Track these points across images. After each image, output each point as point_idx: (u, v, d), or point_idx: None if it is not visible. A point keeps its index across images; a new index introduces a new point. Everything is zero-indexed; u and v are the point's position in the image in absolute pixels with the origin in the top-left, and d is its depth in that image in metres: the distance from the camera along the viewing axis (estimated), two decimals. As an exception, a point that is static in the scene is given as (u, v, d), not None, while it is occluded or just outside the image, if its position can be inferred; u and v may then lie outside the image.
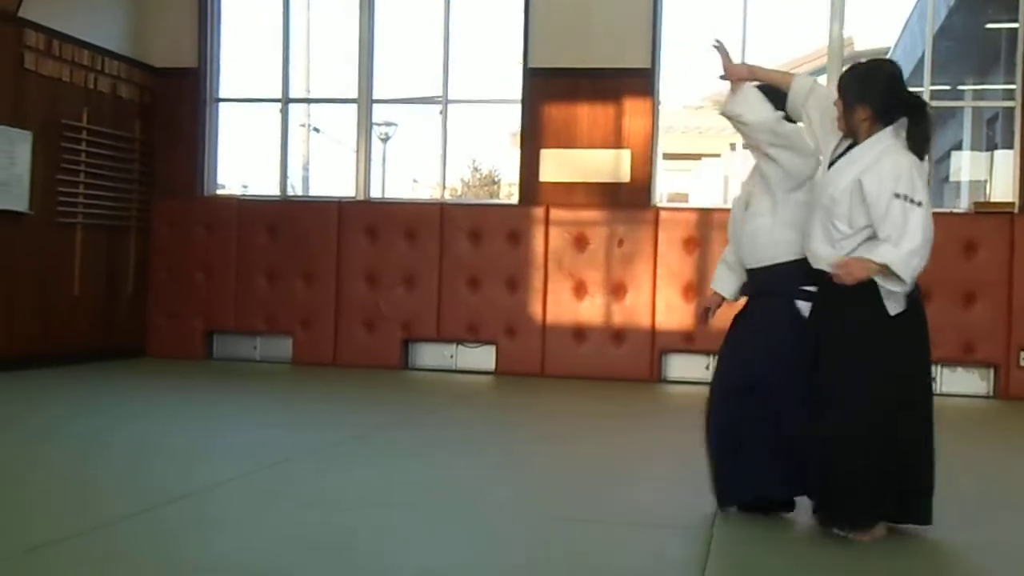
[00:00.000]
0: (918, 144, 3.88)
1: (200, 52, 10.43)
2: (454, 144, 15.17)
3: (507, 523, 4.15)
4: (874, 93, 3.89)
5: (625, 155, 9.68)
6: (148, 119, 10.30)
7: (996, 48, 12.31)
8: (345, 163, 11.36)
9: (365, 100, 10.34)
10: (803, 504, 4.39)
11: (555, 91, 9.77)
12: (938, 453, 3.97)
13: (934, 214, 3.85)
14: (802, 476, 4.31)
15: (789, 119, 4.24)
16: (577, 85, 9.71)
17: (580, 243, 9.61)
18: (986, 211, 9.20)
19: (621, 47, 9.63)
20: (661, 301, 9.46)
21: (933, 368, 4.13)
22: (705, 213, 9.57)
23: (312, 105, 14.75)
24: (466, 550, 3.72)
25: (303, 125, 15.75)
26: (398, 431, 6.51)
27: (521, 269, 9.73)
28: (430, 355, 10.05)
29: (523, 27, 9.85)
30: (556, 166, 9.77)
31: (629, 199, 9.64)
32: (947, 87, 12.71)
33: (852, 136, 3.96)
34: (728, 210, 4.70)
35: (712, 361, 9.00)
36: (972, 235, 8.86)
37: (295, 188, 12.42)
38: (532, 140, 9.87)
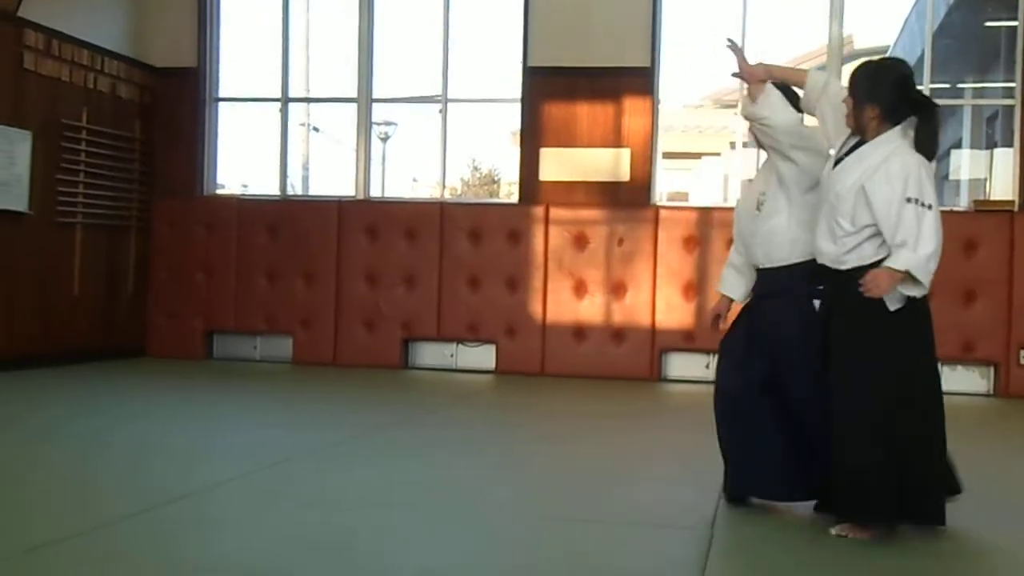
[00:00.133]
0: (926, 144, 3.89)
1: (200, 52, 10.43)
2: (454, 143, 15.18)
3: (507, 523, 4.15)
4: (883, 92, 3.90)
5: (625, 154, 9.68)
6: (148, 119, 10.30)
7: (995, 46, 12.30)
8: (345, 162, 11.36)
9: (365, 99, 10.34)
10: (805, 503, 4.40)
11: (555, 90, 9.77)
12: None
13: (935, 213, 3.86)
14: (803, 477, 4.34)
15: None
16: (577, 84, 9.70)
17: (580, 242, 9.61)
18: (986, 209, 9.21)
19: (621, 46, 9.62)
20: (661, 300, 9.46)
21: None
22: (705, 212, 9.57)
23: (312, 104, 14.75)
24: (466, 550, 3.72)
25: (303, 124, 15.76)
26: (398, 431, 6.51)
27: (521, 268, 9.73)
28: (430, 354, 10.05)
29: (523, 26, 9.85)
30: (556, 165, 9.77)
31: (629, 198, 9.64)
32: (947, 85, 12.70)
33: (860, 134, 3.98)
34: (729, 209, 4.71)
35: (712, 360, 9.01)
36: (972, 233, 8.87)
37: (295, 188, 12.42)
38: (532, 139, 9.87)
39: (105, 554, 3.53)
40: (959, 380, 8.97)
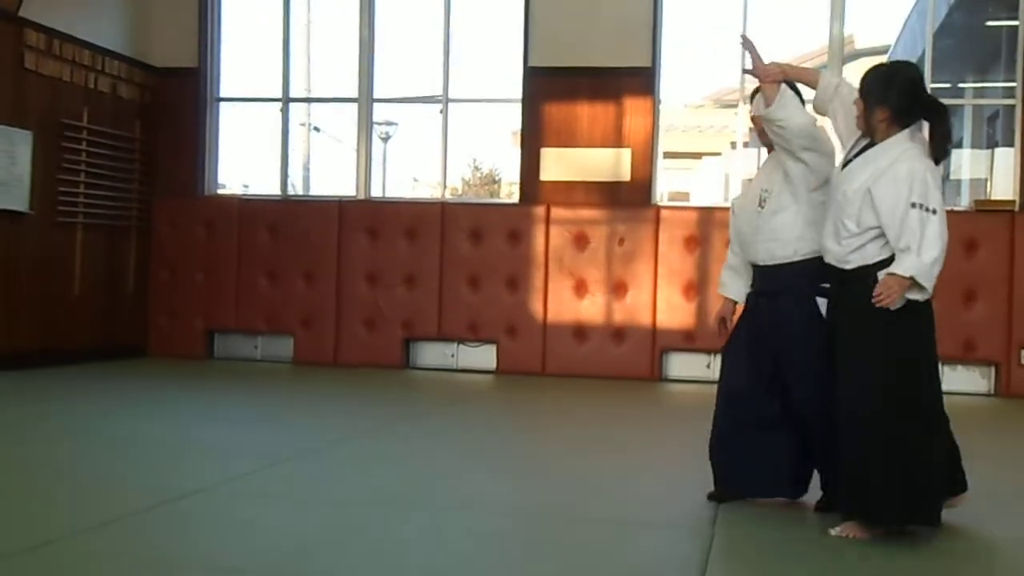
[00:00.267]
0: (938, 147, 3.92)
1: (201, 52, 10.43)
2: (455, 143, 15.18)
3: (507, 523, 4.15)
4: (893, 95, 3.92)
5: (626, 154, 9.68)
6: (149, 119, 10.30)
7: (996, 46, 12.30)
8: (346, 162, 11.36)
9: (365, 99, 10.34)
10: (805, 502, 4.40)
11: (555, 90, 9.77)
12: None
13: (937, 213, 3.87)
14: (802, 476, 4.36)
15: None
16: (577, 84, 9.71)
17: (581, 242, 9.61)
18: (987, 209, 9.21)
19: (621, 46, 9.63)
20: (662, 300, 9.46)
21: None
22: (706, 212, 9.57)
23: (313, 104, 14.76)
24: (465, 550, 3.72)
25: (303, 124, 15.76)
26: (399, 431, 6.51)
27: (522, 268, 9.73)
28: (431, 354, 10.05)
29: (523, 26, 9.85)
30: (557, 165, 9.77)
31: (630, 198, 9.64)
32: (947, 85, 12.70)
33: (870, 136, 4.00)
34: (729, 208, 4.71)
35: (712, 359, 9.01)
36: (973, 233, 8.87)
37: (296, 187, 12.44)
38: (533, 139, 9.87)
39: (104, 553, 3.53)
40: (960, 380, 8.97)
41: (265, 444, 5.68)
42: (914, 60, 11.25)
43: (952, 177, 14.02)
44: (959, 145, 13.65)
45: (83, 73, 9.47)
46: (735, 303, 4.59)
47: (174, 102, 10.38)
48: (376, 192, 10.60)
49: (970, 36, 13.24)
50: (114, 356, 9.71)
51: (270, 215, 10.25)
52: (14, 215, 8.70)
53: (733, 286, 4.58)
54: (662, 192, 10.61)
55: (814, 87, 4.26)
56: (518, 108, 9.93)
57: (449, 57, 10.15)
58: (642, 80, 9.66)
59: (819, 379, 4.12)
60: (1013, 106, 9.46)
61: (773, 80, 4.17)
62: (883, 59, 16.59)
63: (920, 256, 3.73)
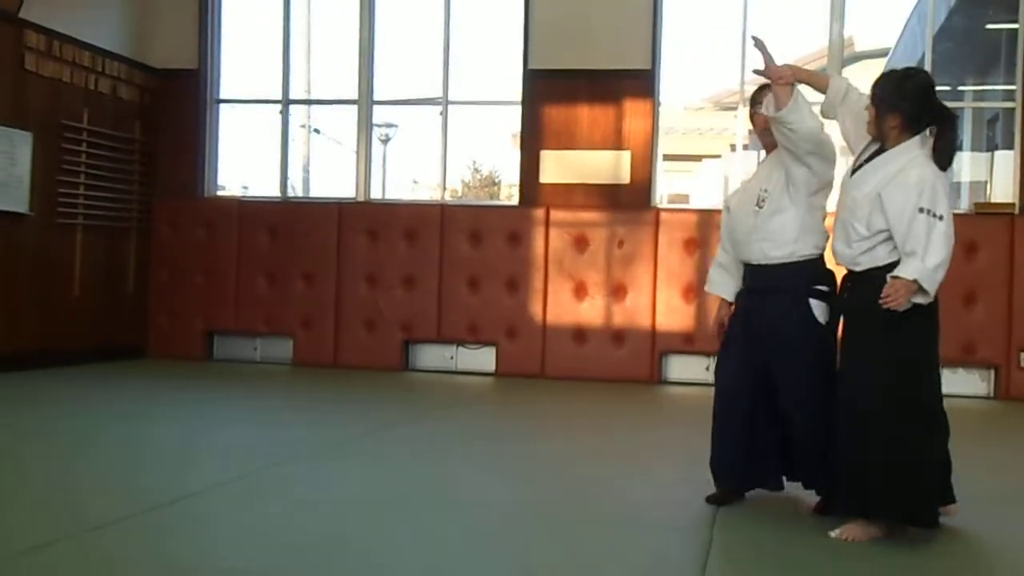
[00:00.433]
0: (942, 156, 3.95)
1: (201, 53, 10.44)
2: (454, 145, 15.17)
3: (505, 524, 4.15)
4: (906, 102, 3.96)
5: (625, 156, 9.68)
6: (148, 120, 10.31)
7: (996, 49, 12.30)
8: (345, 164, 11.36)
9: (365, 101, 10.35)
10: (804, 504, 4.40)
11: (555, 92, 9.78)
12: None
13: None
14: (797, 473, 4.40)
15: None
16: (577, 86, 9.71)
17: (580, 244, 9.61)
18: (986, 212, 9.21)
19: (621, 48, 9.63)
20: (661, 302, 9.46)
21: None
22: (705, 214, 9.56)
23: (312, 106, 14.74)
24: (463, 551, 3.72)
25: (303, 126, 15.74)
26: (397, 432, 6.50)
27: (521, 270, 9.73)
28: (430, 356, 10.04)
29: (523, 28, 9.86)
30: (556, 167, 9.78)
31: (629, 200, 9.64)
32: (947, 88, 12.69)
33: (881, 141, 4.04)
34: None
35: (712, 362, 9.01)
36: (972, 236, 8.87)
37: (295, 189, 12.42)
38: (532, 141, 9.87)
39: (105, 554, 3.53)
40: (959, 383, 8.97)
41: (265, 446, 5.68)
42: (914, 63, 11.26)
43: (952, 180, 14.02)
44: (959, 148, 13.65)
45: (83, 74, 9.47)
46: (730, 304, 4.61)
47: (174, 103, 10.39)
48: (376, 194, 10.60)
49: (970, 39, 13.25)
50: (113, 357, 9.71)
51: (270, 217, 10.25)
52: (14, 216, 8.70)
53: (724, 284, 4.62)
54: (662, 194, 10.61)
55: (823, 91, 4.30)
56: (518, 110, 9.93)
57: (449, 59, 10.15)
58: (642, 82, 9.66)
59: (809, 380, 4.17)
60: (1013, 109, 9.47)
61: (786, 82, 4.17)
62: (883, 61, 16.61)
63: (924, 261, 3.78)
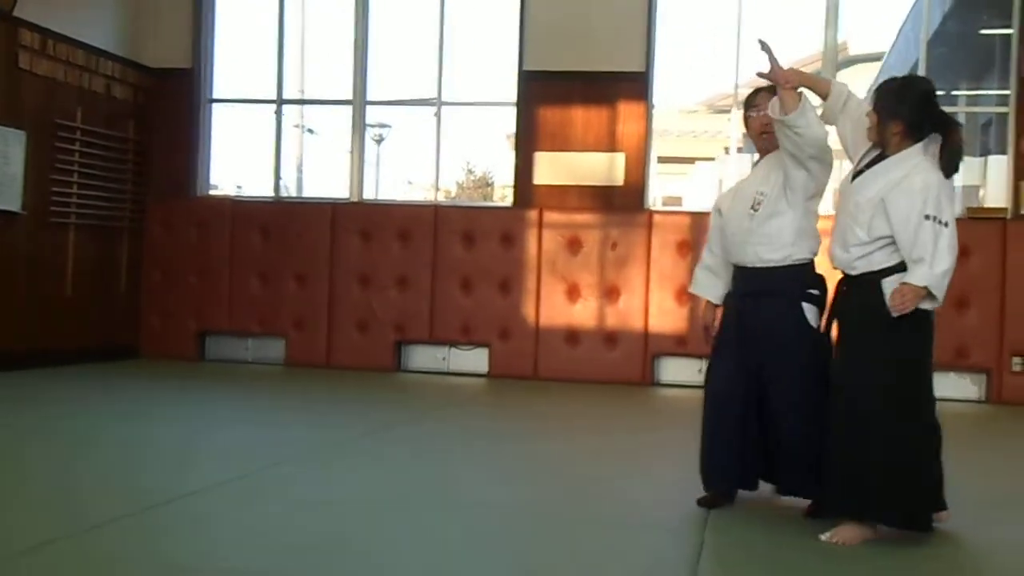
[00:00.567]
0: (948, 162, 3.98)
1: (195, 53, 10.42)
2: (448, 146, 15.18)
3: (499, 525, 4.15)
4: (907, 109, 3.98)
5: (619, 158, 9.68)
6: (142, 119, 10.29)
7: (990, 54, 12.33)
8: (339, 164, 11.37)
9: (359, 101, 10.34)
10: (796, 507, 4.40)
11: (550, 94, 9.77)
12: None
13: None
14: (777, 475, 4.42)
15: None
16: (572, 88, 9.71)
17: (573, 246, 9.61)
18: (979, 217, 9.23)
19: (616, 50, 9.63)
20: (654, 304, 9.46)
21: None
22: (699, 216, 9.55)
23: (306, 106, 14.76)
24: (457, 552, 3.72)
25: (297, 126, 15.74)
26: (395, 433, 6.50)
27: (514, 271, 9.73)
28: (423, 357, 10.03)
29: (518, 30, 9.86)
30: (550, 169, 9.78)
31: (623, 202, 9.64)
32: (941, 92, 12.71)
33: (882, 148, 4.05)
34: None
35: (704, 365, 9.01)
36: (965, 240, 8.78)
37: (289, 189, 12.42)
38: (526, 143, 9.87)
39: (102, 553, 3.53)
40: (951, 387, 8.98)
41: (263, 446, 5.68)
42: (908, 67, 11.28)
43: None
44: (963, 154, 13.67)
45: (77, 73, 9.45)
46: (715, 307, 4.62)
47: (168, 103, 10.36)
48: (369, 194, 10.60)
49: (964, 44, 13.29)
50: (106, 357, 9.68)
51: (263, 217, 10.24)
52: (7, 215, 8.68)
53: (710, 286, 4.62)
54: (655, 197, 10.62)
55: (824, 97, 4.31)
56: (512, 111, 9.93)
57: (443, 60, 10.15)
58: (636, 85, 9.67)
59: (803, 383, 4.20)
60: (1006, 114, 9.48)
61: (793, 86, 4.18)
62: (877, 66, 16.63)
63: (932, 267, 3.82)
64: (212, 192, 10.87)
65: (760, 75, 4.25)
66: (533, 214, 9.70)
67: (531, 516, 4.33)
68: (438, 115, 10.17)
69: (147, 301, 10.36)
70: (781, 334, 4.29)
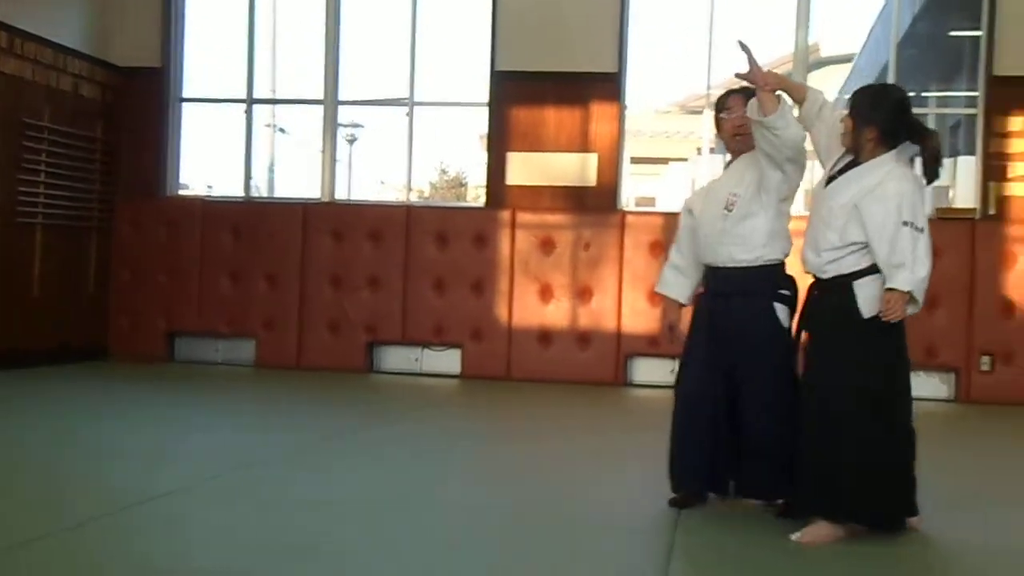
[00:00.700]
0: (928, 169, 4.03)
1: (164, 51, 10.33)
2: (421, 146, 15.15)
3: (469, 527, 4.13)
4: (882, 115, 4.03)
5: (592, 159, 9.68)
6: (111, 118, 10.19)
7: (959, 55, 12.43)
8: (310, 164, 11.32)
9: (331, 101, 10.29)
10: (767, 507, 4.41)
11: (522, 94, 9.76)
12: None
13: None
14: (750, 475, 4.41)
15: None
16: (544, 88, 9.70)
17: (546, 246, 9.60)
18: (948, 217, 9.29)
19: (588, 51, 9.63)
20: (627, 305, 9.47)
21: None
22: (671, 217, 9.49)
23: (277, 106, 14.68)
24: (425, 554, 3.70)
25: (268, 126, 15.67)
26: (361, 435, 6.47)
27: (487, 272, 9.70)
28: (395, 358, 9.99)
29: (490, 30, 9.84)
30: (523, 169, 9.76)
31: (595, 203, 9.64)
32: (911, 94, 12.81)
33: (856, 154, 4.09)
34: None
35: (677, 365, 9.02)
36: (934, 241, 8.84)
37: (260, 189, 12.35)
38: (499, 143, 9.86)
39: (75, 554, 3.51)
40: (920, 386, 8.94)
41: (232, 448, 5.65)
42: (878, 69, 11.34)
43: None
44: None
45: (45, 72, 9.35)
46: (680, 306, 4.63)
47: (137, 102, 10.27)
48: (341, 194, 10.55)
49: (934, 46, 13.38)
50: (74, 358, 9.58)
51: (233, 216, 10.17)
52: (-28, 214, 8.59)
53: (677, 286, 4.63)
54: (628, 197, 10.63)
55: (800, 102, 4.34)
56: (485, 112, 9.91)
57: (415, 60, 10.12)
58: (609, 86, 9.67)
59: (776, 383, 4.21)
60: (975, 115, 9.56)
61: (772, 88, 4.20)
62: (848, 67, 16.70)
63: (914, 272, 3.88)
64: (183, 192, 10.80)
65: (738, 76, 4.26)
66: (506, 214, 9.69)
67: (501, 517, 4.31)
68: (410, 115, 10.14)
69: (115, 301, 10.26)
70: (754, 334, 4.31)
